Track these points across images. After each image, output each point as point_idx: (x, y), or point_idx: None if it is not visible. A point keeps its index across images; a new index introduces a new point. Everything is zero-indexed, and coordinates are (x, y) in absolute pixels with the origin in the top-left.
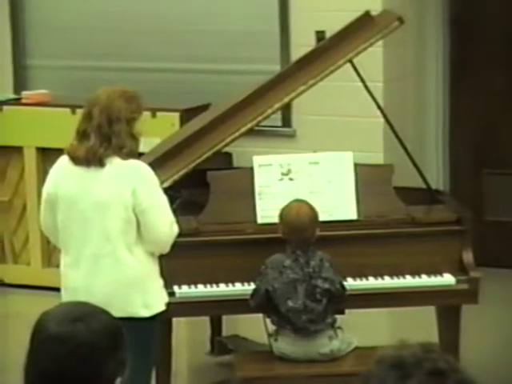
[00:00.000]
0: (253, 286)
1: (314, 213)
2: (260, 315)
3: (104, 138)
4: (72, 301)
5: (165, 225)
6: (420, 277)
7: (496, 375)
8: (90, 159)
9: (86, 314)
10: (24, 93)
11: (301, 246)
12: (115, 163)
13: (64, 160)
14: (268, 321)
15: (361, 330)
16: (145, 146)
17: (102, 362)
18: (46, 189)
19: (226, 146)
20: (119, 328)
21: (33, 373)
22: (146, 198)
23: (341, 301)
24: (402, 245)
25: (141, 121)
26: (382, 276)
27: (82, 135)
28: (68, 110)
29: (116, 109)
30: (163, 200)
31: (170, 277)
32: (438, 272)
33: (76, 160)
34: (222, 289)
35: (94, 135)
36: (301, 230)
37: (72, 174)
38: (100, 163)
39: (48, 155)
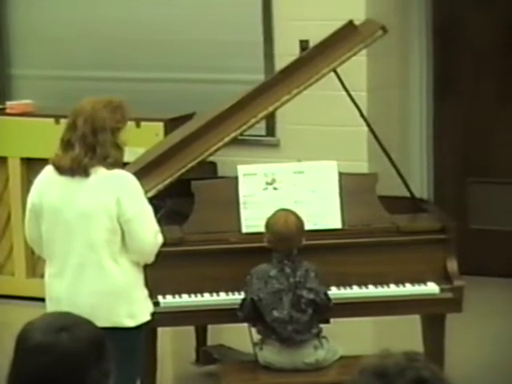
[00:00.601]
0: (237, 295)
1: (300, 222)
2: (245, 325)
3: (88, 147)
4: (56, 311)
5: (149, 234)
6: (404, 285)
7: (480, 383)
8: (75, 169)
9: (70, 323)
10: (8, 103)
11: (287, 256)
12: (100, 173)
13: (49, 170)
14: (253, 330)
15: (345, 339)
16: (129, 155)
17: (86, 372)
18: (31, 198)
19: (210, 155)
20: (103, 338)
21: (16, 382)
22: (131, 207)
23: (326, 311)
24: (386, 253)
25: (126, 130)
26: (366, 285)
27: (67, 145)
28: (52, 120)
29: (101, 119)
30: (148, 210)
31: (154, 286)
32: (422, 281)
33: (61, 170)
34: (207, 298)
35: (79, 145)
36: (288, 239)
37: (56, 183)
38: (85, 173)
39: (32, 165)
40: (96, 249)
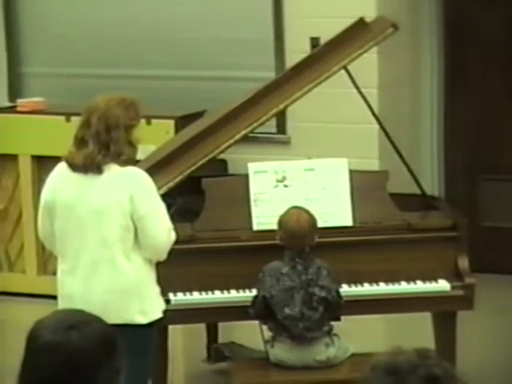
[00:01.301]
0: (248, 293)
1: (313, 219)
2: (256, 322)
3: (102, 145)
4: (66, 309)
5: (162, 231)
6: (415, 283)
7: (492, 381)
8: (88, 166)
9: (80, 321)
10: (19, 101)
11: (299, 253)
12: (113, 170)
13: (62, 167)
14: (264, 327)
15: (357, 337)
16: (140, 153)
17: (97, 370)
18: (44, 195)
19: (221, 152)
20: (113, 335)
21: (27, 381)
22: (144, 204)
23: (337, 309)
24: (397, 251)
25: (139, 128)
26: (377, 282)
27: (80, 142)
28: (63, 118)
29: (114, 116)
30: (161, 207)
31: (165, 284)
32: (433, 278)
33: (74, 167)
34: (218, 296)
35: (92, 142)
36: (301, 237)
37: (70, 180)
38: (98, 170)
39: (43, 163)
40: (109, 246)
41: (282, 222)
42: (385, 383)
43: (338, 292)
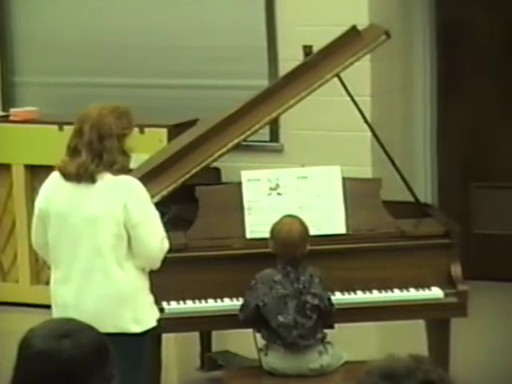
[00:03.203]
0: (241, 301)
1: (305, 229)
2: (250, 330)
3: (95, 154)
4: (58, 317)
5: (155, 240)
6: (408, 290)
7: None
8: (82, 175)
9: (72, 330)
10: (12, 110)
11: (291, 262)
12: (106, 179)
13: (55, 176)
14: (258, 335)
15: (350, 344)
16: (133, 161)
17: (89, 378)
18: (38, 204)
19: (214, 161)
20: (106, 344)
21: None
22: (137, 213)
23: (329, 316)
24: (390, 258)
25: (132, 137)
26: (370, 290)
27: (73, 151)
28: (56, 127)
29: (107, 125)
30: (154, 215)
31: (158, 292)
32: (426, 285)
33: (67, 176)
34: (211, 304)
35: (85, 151)
36: (292, 247)
37: (63, 189)
38: (91, 179)
39: (36, 172)
40: (102, 254)
41: (273, 231)
42: None
43: (329, 299)
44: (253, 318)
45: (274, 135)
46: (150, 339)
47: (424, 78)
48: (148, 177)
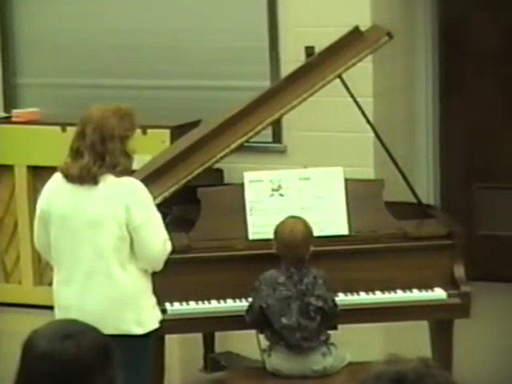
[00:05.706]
0: (244, 302)
1: (308, 230)
2: (253, 331)
3: (98, 156)
4: (61, 319)
5: (158, 242)
6: (411, 291)
7: None
8: (84, 177)
9: (76, 331)
10: (14, 111)
11: (295, 263)
12: (109, 181)
13: (57, 177)
14: (261, 336)
15: (353, 346)
16: (136, 163)
17: (92, 380)
18: (40, 206)
19: (216, 162)
20: (109, 345)
21: None
22: (140, 215)
23: (333, 318)
24: (393, 259)
25: (134, 138)
26: (373, 291)
27: (76, 153)
28: (58, 128)
29: (109, 127)
30: (157, 217)
31: (161, 294)
32: (429, 286)
33: (69, 178)
34: (214, 305)
35: (88, 153)
36: (294, 248)
37: (65, 191)
38: (94, 181)
39: (39, 173)
40: (104, 256)
41: (277, 232)
42: None
43: (333, 301)
44: (258, 319)
45: (277, 136)
46: (153, 340)
47: (426, 79)
48: (151, 178)
